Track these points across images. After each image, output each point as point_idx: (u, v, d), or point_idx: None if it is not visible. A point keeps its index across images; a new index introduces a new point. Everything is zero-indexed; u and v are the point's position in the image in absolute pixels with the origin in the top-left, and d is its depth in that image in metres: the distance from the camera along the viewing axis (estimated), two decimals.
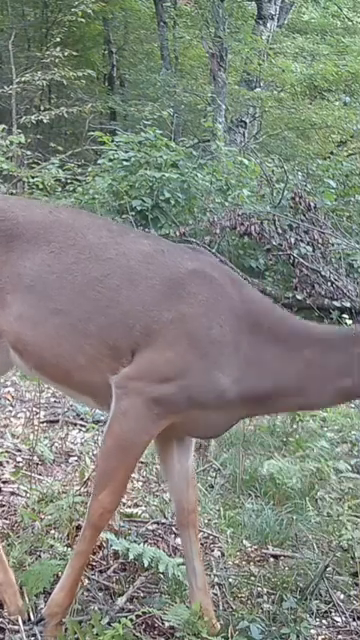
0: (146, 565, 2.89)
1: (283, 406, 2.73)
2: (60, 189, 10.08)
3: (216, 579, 3.08)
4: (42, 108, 12.64)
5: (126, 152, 9.47)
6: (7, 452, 4.23)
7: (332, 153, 14.28)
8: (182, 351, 2.41)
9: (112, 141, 9.88)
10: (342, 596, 3.07)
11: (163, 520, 3.54)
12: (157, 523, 3.51)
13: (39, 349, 2.56)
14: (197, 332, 2.42)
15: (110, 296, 2.47)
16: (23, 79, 10.94)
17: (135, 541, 3.09)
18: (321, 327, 2.67)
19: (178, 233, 8.48)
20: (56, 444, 4.44)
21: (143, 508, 3.70)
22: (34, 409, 4.81)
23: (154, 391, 2.39)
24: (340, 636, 2.86)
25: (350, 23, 17.97)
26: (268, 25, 15.06)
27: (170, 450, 2.69)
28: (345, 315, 7.79)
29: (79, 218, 2.75)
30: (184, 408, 2.43)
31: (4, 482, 3.86)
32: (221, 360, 2.41)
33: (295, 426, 5.07)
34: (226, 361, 2.41)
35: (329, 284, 8.50)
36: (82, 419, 4.93)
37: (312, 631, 2.81)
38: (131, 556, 2.91)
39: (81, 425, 4.83)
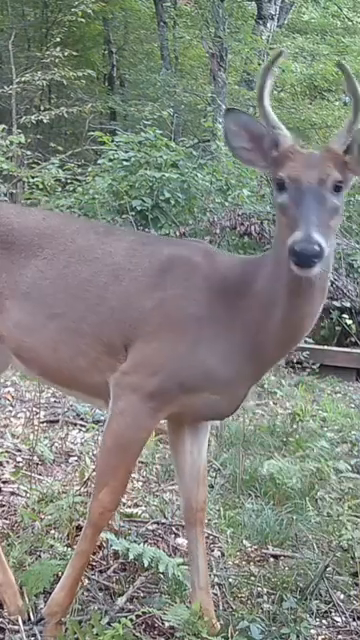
0: (146, 565, 2.88)
1: (282, 354, 2.59)
2: (60, 189, 10.07)
3: (216, 579, 3.08)
4: (42, 108, 12.65)
5: (126, 152, 9.47)
6: (7, 452, 4.23)
7: None
8: (165, 336, 2.41)
9: (112, 141, 9.88)
10: (342, 596, 3.07)
11: (163, 520, 3.54)
12: (157, 523, 3.51)
13: (40, 355, 2.60)
14: (175, 314, 2.42)
15: (99, 294, 2.50)
16: (23, 79, 10.94)
17: (135, 541, 3.08)
18: (254, 258, 2.59)
19: (178, 233, 8.48)
20: (56, 444, 4.45)
21: (143, 508, 3.70)
22: (34, 409, 4.82)
23: (148, 385, 2.39)
24: (340, 636, 2.86)
25: (350, 23, 17.98)
26: (268, 25, 15.07)
27: (183, 445, 2.68)
28: (345, 315, 7.80)
29: (69, 223, 2.83)
30: (178, 396, 2.42)
31: (4, 482, 3.86)
32: (203, 337, 2.40)
33: (295, 426, 5.08)
34: (208, 336, 2.40)
35: (329, 284, 8.49)
36: (82, 419, 4.93)
37: (312, 631, 2.81)
38: (131, 556, 2.90)
39: (81, 425, 4.84)
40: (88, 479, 3.50)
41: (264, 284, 2.38)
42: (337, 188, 2.25)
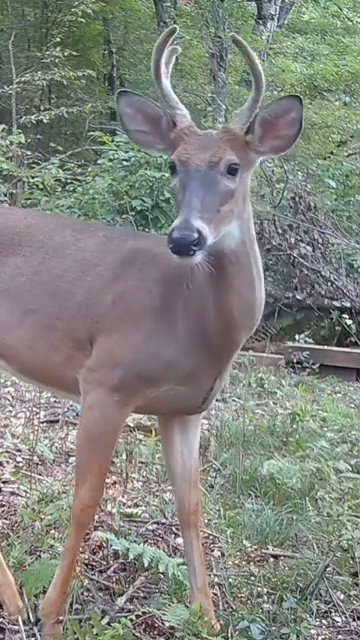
0: (146, 565, 2.89)
1: (230, 344, 2.44)
2: (60, 189, 10.07)
3: (216, 579, 3.07)
4: (42, 108, 12.65)
5: (126, 152, 9.46)
6: (7, 452, 4.23)
7: (332, 153, 14.27)
8: (124, 329, 2.41)
9: (112, 141, 9.87)
10: (342, 596, 3.07)
11: (163, 520, 3.54)
12: (157, 523, 3.51)
13: (18, 352, 2.62)
14: (131, 305, 2.42)
15: (68, 289, 2.52)
16: (23, 79, 10.94)
17: (135, 541, 3.09)
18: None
19: None
20: (56, 444, 4.45)
21: (143, 508, 3.70)
22: (34, 409, 4.82)
23: (112, 378, 2.40)
24: (340, 636, 2.85)
25: (350, 23, 17.97)
26: (268, 25, 15.08)
27: (173, 446, 2.68)
28: (345, 315, 7.81)
29: (48, 221, 2.85)
30: (141, 388, 2.41)
31: (4, 482, 3.87)
32: (157, 328, 2.39)
33: (295, 426, 5.08)
34: (163, 328, 2.38)
35: (329, 284, 8.51)
36: None
37: (312, 631, 2.80)
38: (131, 556, 2.91)
39: None
40: None
41: (198, 273, 2.32)
42: (232, 171, 2.15)
